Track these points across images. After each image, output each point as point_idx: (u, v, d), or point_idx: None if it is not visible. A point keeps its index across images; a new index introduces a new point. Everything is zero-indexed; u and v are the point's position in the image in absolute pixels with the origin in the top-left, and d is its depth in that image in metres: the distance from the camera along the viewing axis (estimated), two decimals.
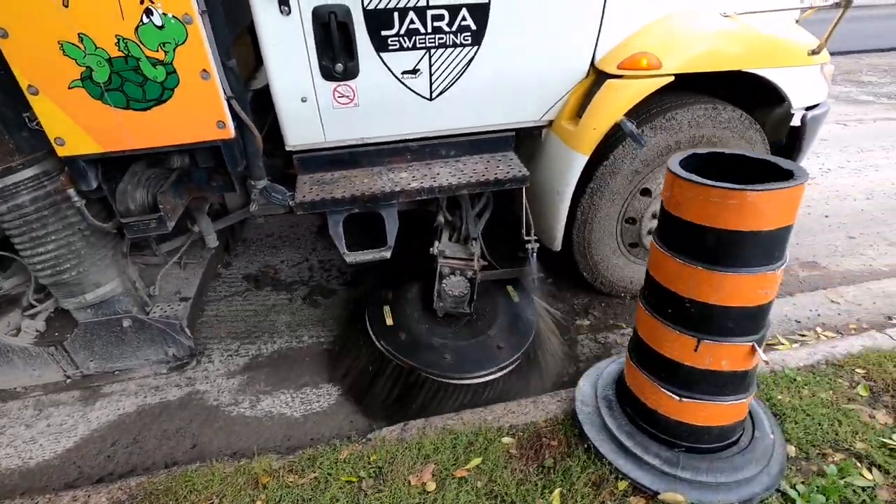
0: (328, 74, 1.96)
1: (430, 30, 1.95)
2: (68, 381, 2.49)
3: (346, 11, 1.84)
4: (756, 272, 1.38)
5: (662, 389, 1.64)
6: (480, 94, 2.15)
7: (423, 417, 2.09)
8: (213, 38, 1.76)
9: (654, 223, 2.57)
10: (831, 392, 2.06)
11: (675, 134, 2.32)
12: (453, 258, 2.41)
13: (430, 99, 2.12)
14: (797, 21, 2.61)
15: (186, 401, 2.41)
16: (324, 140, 2.15)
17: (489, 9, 1.95)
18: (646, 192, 2.50)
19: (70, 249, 2.18)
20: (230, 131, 1.90)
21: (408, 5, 1.87)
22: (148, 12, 1.62)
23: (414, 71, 2.03)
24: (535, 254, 2.41)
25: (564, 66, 2.18)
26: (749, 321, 1.48)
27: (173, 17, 1.64)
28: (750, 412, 1.83)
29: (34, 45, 1.60)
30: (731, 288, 1.41)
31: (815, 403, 2.00)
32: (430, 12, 1.91)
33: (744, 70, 2.19)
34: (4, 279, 2.48)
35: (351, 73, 1.97)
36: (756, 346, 1.50)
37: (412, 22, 1.92)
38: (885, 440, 1.84)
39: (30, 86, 1.67)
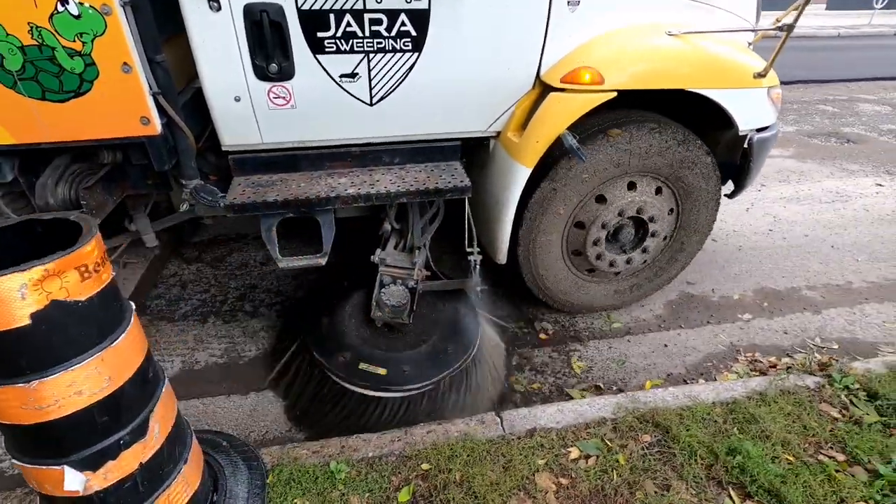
0: (262, 74, 1.91)
1: (368, 34, 1.91)
2: None
3: (279, 10, 1.80)
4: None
5: None
6: (423, 101, 2.12)
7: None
8: (136, 31, 1.71)
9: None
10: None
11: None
12: (394, 267, 2.36)
13: (371, 104, 2.08)
14: (749, 44, 2.63)
15: None
16: (261, 141, 2.10)
17: (429, 15, 1.92)
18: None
19: None
20: (156, 128, 1.84)
21: (344, 7, 1.84)
22: (63, 1, 1.56)
23: (352, 75, 1.99)
24: (477, 266, 2.38)
25: (509, 78, 2.16)
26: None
27: (90, 6, 1.58)
28: None
29: None
30: None
31: None
32: (367, 16, 1.87)
33: (688, 90, 2.19)
34: None
35: (286, 73, 1.93)
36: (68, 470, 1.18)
37: (349, 25, 1.88)
38: None
39: None
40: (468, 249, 2.36)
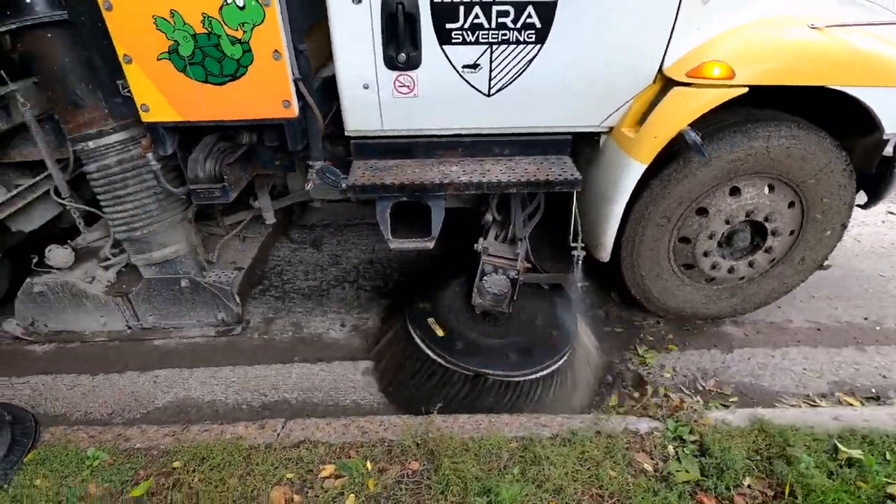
0: (391, 64, 2.02)
1: (494, 25, 1.96)
2: (129, 330, 2.71)
3: (414, 2, 1.89)
4: None
5: None
6: (540, 93, 2.13)
7: None
8: (287, 21, 1.87)
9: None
10: None
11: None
12: (497, 256, 2.40)
13: (488, 95, 2.13)
14: None
15: None
16: (381, 128, 2.21)
17: (556, 7, 1.94)
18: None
19: (144, 210, 2.38)
20: (294, 111, 2.01)
21: (475, 0, 1.90)
22: None
23: (474, 65, 2.05)
24: (580, 262, 2.35)
25: (630, 72, 2.11)
26: None
27: None
28: None
29: (133, 18, 1.77)
30: None
31: None
32: (495, 7, 1.92)
33: (829, 87, 2.03)
34: (89, 232, 2.75)
35: (413, 63, 2.02)
36: None
37: (477, 16, 1.94)
38: None
39: (125, 55, 1.84)
40: (572, 244, 2.34)
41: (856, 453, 1.83)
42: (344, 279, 3.20)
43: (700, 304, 2.70)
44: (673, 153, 2.20)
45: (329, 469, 1.86)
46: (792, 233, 2.52)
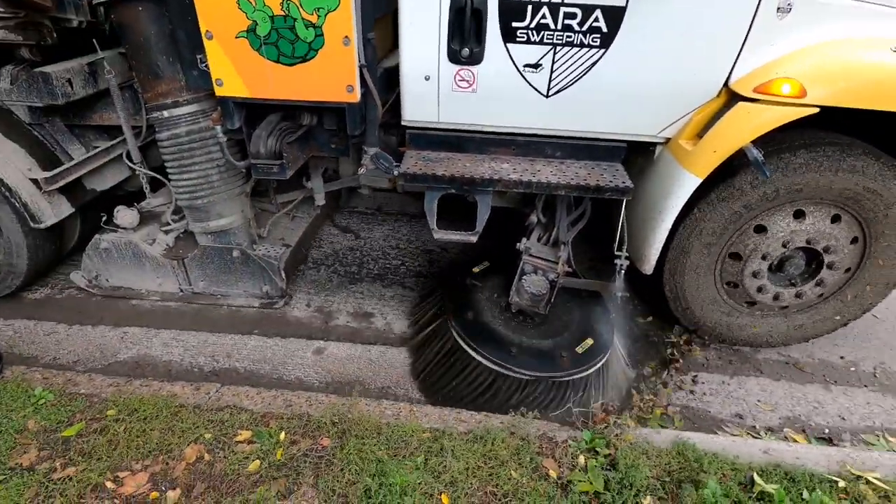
0: (454, 58, 2.06)
1: (559, 27, 1.97)
2: (181, 293, 2.86)
3: None
4: None
5: None
6: (599, 99, 2.13)
7: None
8: (359, 9, 1.94)
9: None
10: None
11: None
12: (538, 257, 2.40)
13: (546, 96, 2.14)
14: None
15: None
16: (437, 120, 2.26)
17: (624, 13, 1.93)
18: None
19: (207, 180, 2.51)
20: (357, 95, 2.08)
21: (543, 0, 1.92)
22: None
23: (536, 65, 2.07)
24: (623, 271, 2.33)
25: (695, 83, 2.08)
26: None
27: None
28: None
29: None
30: None
31: None
32: (563, 9, 1.93)
33: None
34: (154, 198, 2.92)
35: (476, 58, 2.06)
36: None
37: (544, 17, 1.95)
38: None
39: (207, 31, 1.96)
40: (616, 252, 2.32)
41: (770, 488, 1.77)
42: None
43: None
44: (731, 169, 2.15)
45: (245, 434, 1.98)
46: (848, 270, 2.41)
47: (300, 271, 3.17)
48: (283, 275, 2.77)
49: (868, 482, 1.84)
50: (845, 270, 2.42)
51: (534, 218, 2.58)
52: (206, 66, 2.08)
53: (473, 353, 2.28)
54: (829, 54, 1.95)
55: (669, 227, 2.26)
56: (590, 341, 2.36)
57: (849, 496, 1.79)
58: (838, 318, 2.57)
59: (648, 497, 1.76)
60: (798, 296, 2.46)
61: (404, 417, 2.09)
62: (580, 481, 1.82)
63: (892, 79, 1.92)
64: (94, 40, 2.46)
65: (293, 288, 3.01)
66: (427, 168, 2.22)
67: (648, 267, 2.41)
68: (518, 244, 2.43)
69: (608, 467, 1.87)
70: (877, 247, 2.34)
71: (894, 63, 1.92)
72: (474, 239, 2.29)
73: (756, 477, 1.81)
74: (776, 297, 2.46)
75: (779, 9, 1.91)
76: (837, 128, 2.22)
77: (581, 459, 1.91)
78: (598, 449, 1.94)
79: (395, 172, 2.25)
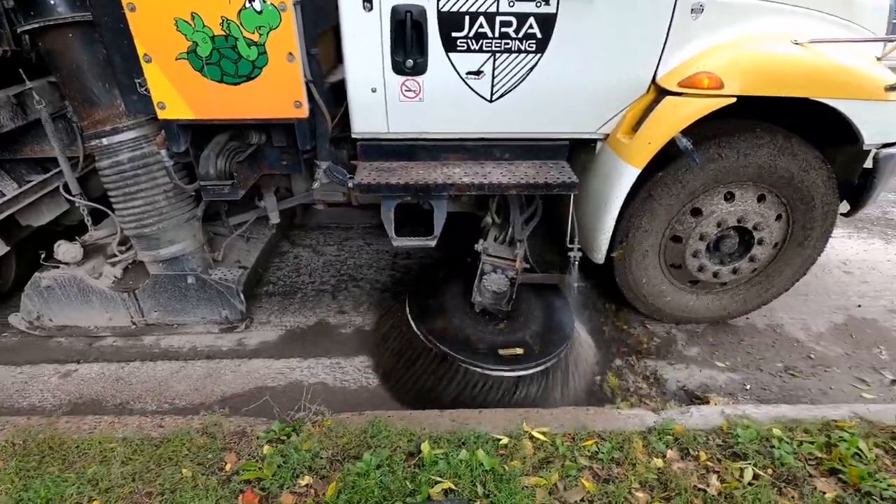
0: (398, 69, 2.12)
1: (497, 34, 2.07)
2: (134, 326, 2.75)
3: (422, 11, 2.00)
4: None
5: None
6: (540, 101, 2.24)
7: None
8: (301, 26, 1.97)
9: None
10: None
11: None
12: (497, 256, 2.48)
13: (490, 101, 2.23)
14: (879, 59, 2.53)
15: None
16: (387, 130, 2.30)
17: (556, 19, 2.05)
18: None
19: (154, 207, 2.44)
20: (305, 111, 2.10)
21: (479, 10, 2.01)
22: None
23: (478, 72, 2.16)
24: (576, 263, 2.44)
25: (625, 81, 2.23)
26: None
27: (271, 4, 1.86)
28: None
29: (155, 20, 1.86)
30: None
31: None
32: (499, 18, 2.03)
33: (812, 99, 2.15)
34: (96, 230, 2.80)
35: (420, 69, 2.12)
36: None
37: (481, 26, 2.05)
38: None
39: (146, 54, 1.93)
40: (569, 245, 2.43)
41: (435, 454, 1.85)
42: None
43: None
44: (666, 159, 2.31)
45: None
46: (776, 245, 2.64)
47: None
48: (242, 297, 2.72)
49: (532, 437, 1.96)
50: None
51: (489, 219, 2.66)
52: (147, 89, 2.04)
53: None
54: (741, 49, 2.15)
55: (615, 217, 2.39)
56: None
57: (507, 450, 1.90)
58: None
59: (307, 476, 1.79)
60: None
61: (100, 431, 2.03)
62: (247, 470, 1.83)
63: (792, 68, 2.13)
64: (20, 70, 2.36)
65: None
66: (381, 178, 2.25)
67: (599, 256, 2.54)
68: (476, 245, 2.50)
69: (288, 453, 1.89)
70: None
71: (794, 54, 2.13)
72: (433, 243, 2.34)
73: (424, 445, 1.87)
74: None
75: (692, 10, 2.09)
76: (760, 115, 2.42)
77: (266, 449, 1.92)
78: (284, 438, 1.97)
79: (350, 185, 2.28)
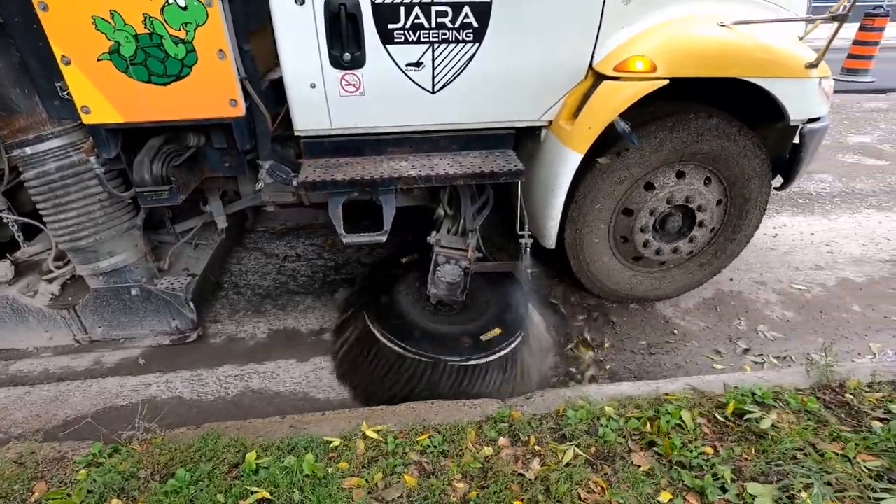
0: (337, 63, 2.09)
1: (433, 25, 2.06)
2: (77, 345, 2.62)
3: (356, 3, 1.97)
4: None
5: None
6: (481, 90, 2.25)
7: None
8: (231, 21, 1.91)
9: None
10: None
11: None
12: (449, 248, 2.48)
13: (433, 92, 2.22)
14: (800, 38, 2.66)
15: None
16: (330, 126, 2.26)
17: (491, 8, 2.06)
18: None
19: (89, 218, 2.33)
20: (241, 109, 2.04)
21: (413, 0, 2.00)
22: None
23: (417, 64, 2.15)
24: (528, 249, 2.47)
25: (563, 68, 2.26)
26: None
27: None
28: None
29: (70, 19, 1.77)
30: None
31: None
32: (434, 8, 2.03)
33: (739, 78, 2.24)
34: (29, 246, 2.65)
35: (358, 62, 2.10)
36: None
37: (417, 17, 2.04)
38: None
39: (63, 56, 1.83)
40: (519, 233, 2.45)
41: (261, 462, 1.82)
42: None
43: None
44: (609, 140, 2.36)
45: None
46: (713, 229, 2.77)
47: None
48: (192, 306, 2.63)
49: (365, 436, 1.93)
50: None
51: (441, 211, 2.66)
52: (69, 93, 1.94)
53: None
54: (671, 32, 2.22)
55: (562, 201, 2.44)
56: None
57: (337, 452, 1.87)
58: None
59: (115, 500, 1.71)
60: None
61: None
62: (54, 499, 1.73)
63: (719, 49, 2.22)
64: None
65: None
66: (326, 175, 2.21)
67: (550, 242, 2.58)
68: (428, 238, 2.50)
69: (101, 477, 1.79)
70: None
71: (721, 36, 2.22)
72: (383, 238, 2.32)
73: (249, 455, 1.83)
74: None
75: None
76: (696, 97, 2.50)
77: (80, 474, 1.82)
78: (103, 460, 1.87)
79: (294, 183, 2.23)
